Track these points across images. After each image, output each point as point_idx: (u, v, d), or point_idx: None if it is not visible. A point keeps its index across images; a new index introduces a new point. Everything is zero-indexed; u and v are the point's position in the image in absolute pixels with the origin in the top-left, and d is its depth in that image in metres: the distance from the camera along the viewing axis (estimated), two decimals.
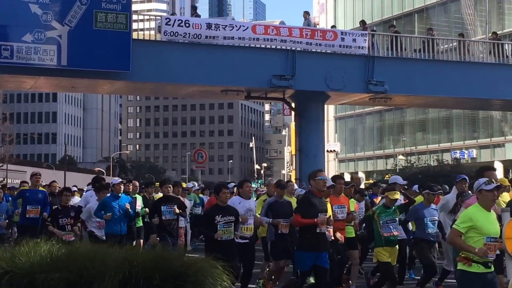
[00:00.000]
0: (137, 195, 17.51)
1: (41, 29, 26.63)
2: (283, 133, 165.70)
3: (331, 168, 73.28)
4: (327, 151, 67.19)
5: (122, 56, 27.66)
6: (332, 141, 77.33)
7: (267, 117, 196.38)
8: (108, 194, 15.28)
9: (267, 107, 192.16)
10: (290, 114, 61.40)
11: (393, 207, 12.45)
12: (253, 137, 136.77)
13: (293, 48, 30.83)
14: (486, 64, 33.99)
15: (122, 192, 15.29)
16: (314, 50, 31.67)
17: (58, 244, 8.41)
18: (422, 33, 48.02)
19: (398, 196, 12.26)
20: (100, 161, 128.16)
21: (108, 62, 27.66)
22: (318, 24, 71.15)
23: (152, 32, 32.43)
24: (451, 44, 33.80)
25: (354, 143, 78.84)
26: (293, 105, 35.03)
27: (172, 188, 15.23)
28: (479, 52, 34.44)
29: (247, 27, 30.68)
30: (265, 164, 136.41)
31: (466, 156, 63.20)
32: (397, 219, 12.40)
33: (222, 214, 11.39)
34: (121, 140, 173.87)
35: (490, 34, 40.63)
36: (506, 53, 34.66)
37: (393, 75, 32.20)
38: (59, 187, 18.99)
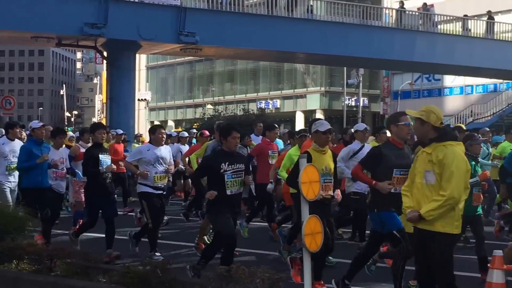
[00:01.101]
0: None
1: None
2: (95, 81, 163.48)
3: (141, 117, 73.85)
4: (138, 99, 67.70)
5: None
6: (143, 90, 77.84)
7: (78, 65, 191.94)
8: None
9: (79, 55, 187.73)
10: (102, 63, 61.23)
11: None
12: (64, 85, 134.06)
13: None
14: (291, 18, 35.45)
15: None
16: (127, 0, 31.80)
17: None
18: None
19: None
20: None
21: None
22: None
23: None
24: None
25: (165, 92, 79.57)
26: (105, 53, 35.02)
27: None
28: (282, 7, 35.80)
29: None
30: (75, 112, 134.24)
31: (270, 106, 65.77)
32: None
33: (229, 162, 9.30)
34: None
35: None
36: (309, 9, 36.47)
37: (204, 27, 32.80)
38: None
